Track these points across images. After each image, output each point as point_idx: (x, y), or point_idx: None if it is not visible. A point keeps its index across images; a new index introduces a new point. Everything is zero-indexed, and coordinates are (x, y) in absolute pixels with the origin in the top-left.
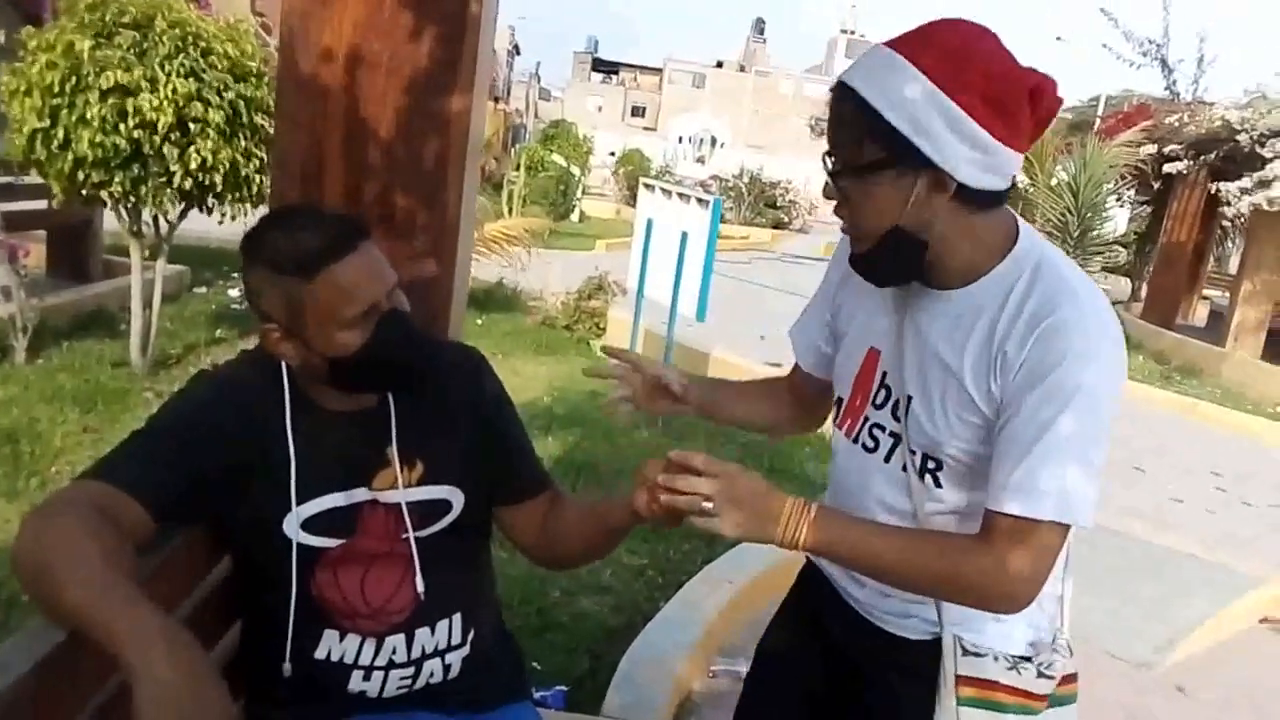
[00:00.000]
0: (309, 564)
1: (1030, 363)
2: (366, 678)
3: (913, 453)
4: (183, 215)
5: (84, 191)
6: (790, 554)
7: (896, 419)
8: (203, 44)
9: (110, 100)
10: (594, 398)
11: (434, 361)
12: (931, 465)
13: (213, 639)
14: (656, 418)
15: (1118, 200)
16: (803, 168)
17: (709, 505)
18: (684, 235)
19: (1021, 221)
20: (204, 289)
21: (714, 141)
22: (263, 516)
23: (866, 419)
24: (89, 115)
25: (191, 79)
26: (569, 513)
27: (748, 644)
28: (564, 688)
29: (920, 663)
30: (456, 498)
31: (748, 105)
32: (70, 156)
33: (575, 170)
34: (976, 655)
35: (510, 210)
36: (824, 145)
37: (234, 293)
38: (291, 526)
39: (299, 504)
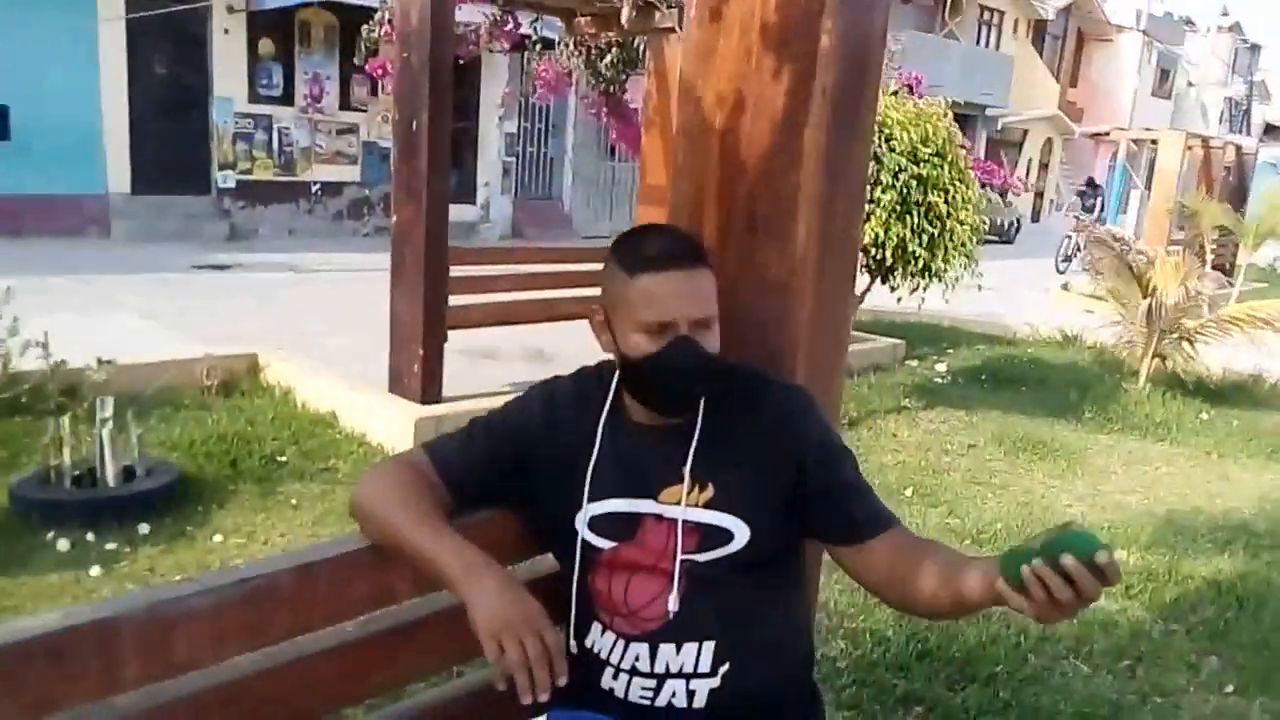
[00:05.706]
0: (588, 559)
1: None
2: (615, 677)
3: None
4: (866, 290)
5: None
6: None
7: None
8: (886, 130)
9: None
10: None
11: (711, 392)
12: None
13: None
14: None
15: None
16: None
17: None
18: None
19: None
20: (915, 362)
21: None
22: (559, 510)
23: None
24: None
25: (871, 163)
26: (916, 559)
27: None
28: None
29: None
30: (741, 530)
31: None
32: None
33: None
34: None
35: None
36: None
37: (940, 367)
38: (581, 522)
39: (589, 502)
